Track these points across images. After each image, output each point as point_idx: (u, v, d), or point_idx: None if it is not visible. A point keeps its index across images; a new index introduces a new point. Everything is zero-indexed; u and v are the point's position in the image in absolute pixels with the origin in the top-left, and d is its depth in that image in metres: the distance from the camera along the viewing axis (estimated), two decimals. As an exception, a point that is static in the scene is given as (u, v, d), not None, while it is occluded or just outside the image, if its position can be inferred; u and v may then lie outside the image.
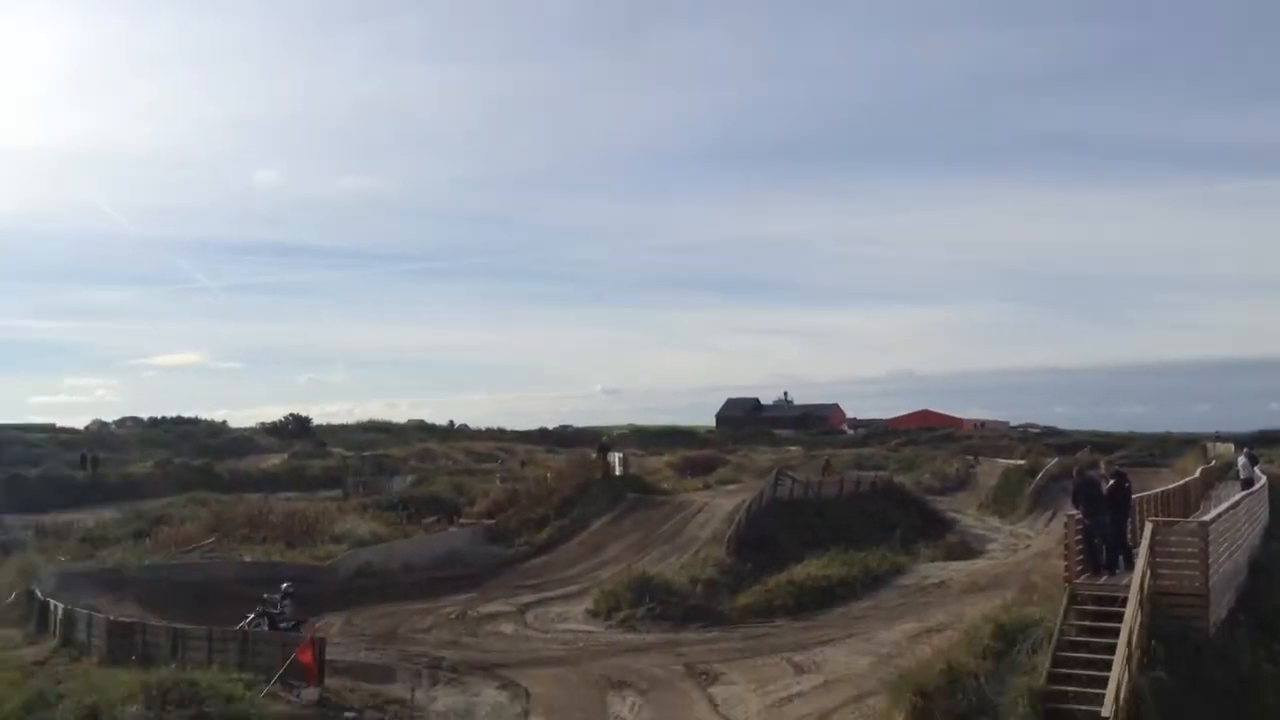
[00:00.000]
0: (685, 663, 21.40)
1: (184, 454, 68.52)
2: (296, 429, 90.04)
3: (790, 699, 18.40)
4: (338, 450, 76.69)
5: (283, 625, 22.03)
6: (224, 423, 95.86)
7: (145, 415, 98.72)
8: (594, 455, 48.57)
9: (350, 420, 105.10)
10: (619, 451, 50.38)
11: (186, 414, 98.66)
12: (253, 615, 22.37)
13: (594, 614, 26.79)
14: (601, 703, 18.89)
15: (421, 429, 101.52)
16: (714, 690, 19.32)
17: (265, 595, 23.04)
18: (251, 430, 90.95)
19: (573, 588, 31.01)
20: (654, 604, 26.16)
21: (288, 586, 23.38)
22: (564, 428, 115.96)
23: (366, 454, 71.69)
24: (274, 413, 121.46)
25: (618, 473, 45.19)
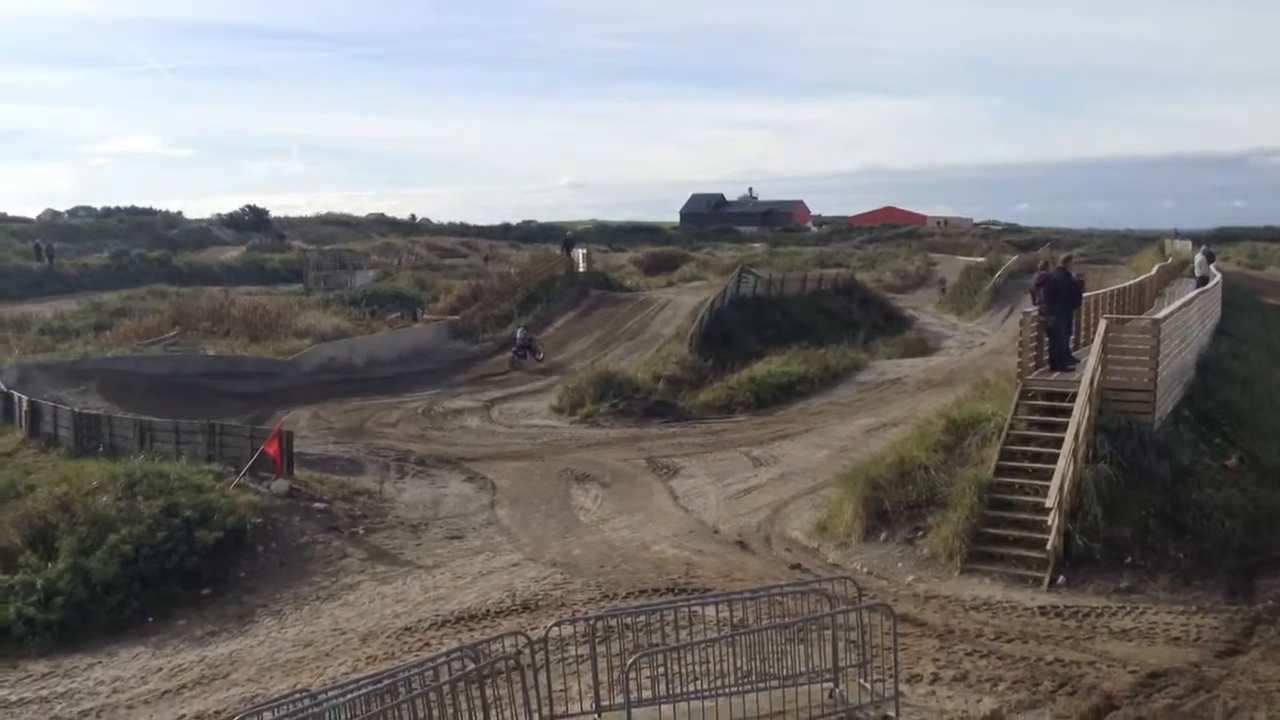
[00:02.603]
0: (647, 457, 21.96)
1: (140, 245, 67.22)
2: (254, 221, 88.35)
3: (748, 491, 19.01)
4: (297, 243, 75.63)
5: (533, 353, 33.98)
6: (179, 213, 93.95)
7: (98, 205, 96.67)
8: (558, 251, 48.29)
9: (309, 213, 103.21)
10: (583, 248, 50.07)
11: (140, 204, 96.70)
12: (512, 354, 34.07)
13: (558, 410, 27.26)
14: (565, 494, 19.44)
15: (382, 223, 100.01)
16: (675, 483, 19.91)
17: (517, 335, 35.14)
18: (208, 222, 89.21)
19: (537, 384, 31.42)
20: (617, 400, 26.64)
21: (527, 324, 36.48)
22: (528, 223, 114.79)
23: (327, 248, 70.82)
24: (230, 203, 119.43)
25: (581, 269, 45.07)
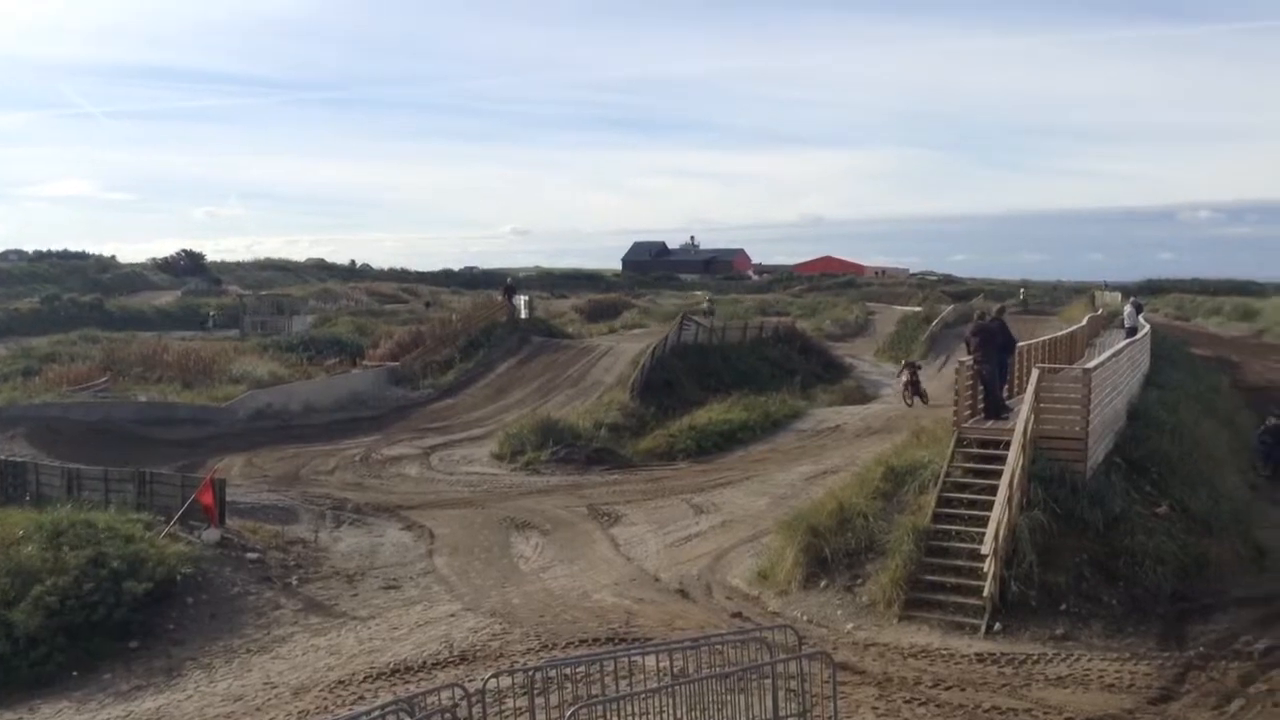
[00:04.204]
0: (588, 504, 21.86)
1: (72, 289, 66.15)
2: (190, 265, 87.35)
3: (689, 539, 18.98)
4: (234, 288, 74.86)
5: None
6: (113, 258, 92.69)
7: (30, 248, 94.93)
8: (499, 297, 48.26)
9: (247, 257, 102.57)
10: (525, 294, 50.09)
11: (74, 248, 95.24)
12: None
13: (499, 457, 27.05)
14: (505, 542, 19.25)
15: (322, 268, 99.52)
16: (615, 530, 19.82)
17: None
18: (143, 266, 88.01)
19: (477, 431, 31.20)
20: (558, 447, 26.50)
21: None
22: (469, 269, 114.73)
23: (264, 293, 70.10)
24: (166, 248, 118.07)
25: (523, 315, 45.05)
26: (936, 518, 15.13)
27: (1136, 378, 23.77)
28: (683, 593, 15.77)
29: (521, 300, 46.79)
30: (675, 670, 10.07)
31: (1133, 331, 29.53)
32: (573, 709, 8.84)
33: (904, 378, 32.72)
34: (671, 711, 9.23)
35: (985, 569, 13.71)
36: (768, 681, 9.40)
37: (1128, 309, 33.35)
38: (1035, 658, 12.46)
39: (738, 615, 14.47)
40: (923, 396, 31.94)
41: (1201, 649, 12.61)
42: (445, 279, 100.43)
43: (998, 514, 13.99)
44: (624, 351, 38.99)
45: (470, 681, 11.10)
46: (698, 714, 9.39)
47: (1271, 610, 13.94)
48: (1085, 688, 11.56)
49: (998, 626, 13.38)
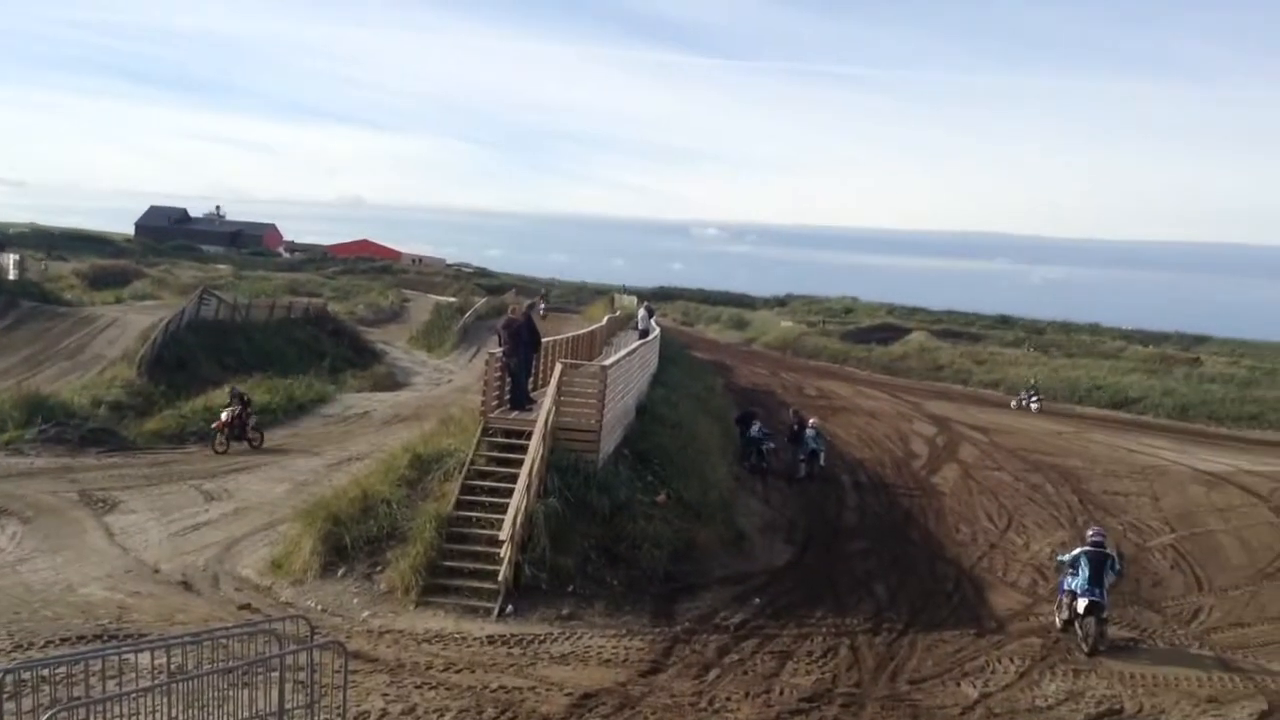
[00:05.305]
0: (80, 490, 19.67)
1: None
2: None
3: (197, 527, 17.70)
4: None
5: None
6: None
7: None
8: (-19, 254, 42.27)
9: None
10: (15, 253, 44.27)
11: None
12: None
13: (-31, 435, 23.52)
14: (-27, 533, 16.80)
15: None
16: (111, 519, 18.00)
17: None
18: None
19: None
20: (47, 425, 23.58)
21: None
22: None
23: None
24: None
25: (11, 277, 39.93)
26: (459, 505, 15.45)
27: (646, 376, 25.81)
28: (186, 584, 14.71)
29: (11, 259, 41.56)
30: (173, 667, 9.36)
31: (645, 333, 31.96)
32: (50, 713, 7.91)
33: (224, 415, 24.18)
34: (166, 711, 8.57)
35: (502, 554, 14.19)
36: (275, 674, 9.02)
37: (641, 312, 35.96)
38: (542, 637, 13.10)
39: (246, 607, 13.77)
40: (251, 441, 24.54)
41: (687, 624, 13.98)
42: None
43: (517, 501, 14.56)
44: (132, 323, 35.74)
45: (-81, 692, 9.56)
46: (195, 712, 8.80)
47: (746, 587, 15.80)
48: (585, 664, 12.34)
49: (510, 609, 13.91)
